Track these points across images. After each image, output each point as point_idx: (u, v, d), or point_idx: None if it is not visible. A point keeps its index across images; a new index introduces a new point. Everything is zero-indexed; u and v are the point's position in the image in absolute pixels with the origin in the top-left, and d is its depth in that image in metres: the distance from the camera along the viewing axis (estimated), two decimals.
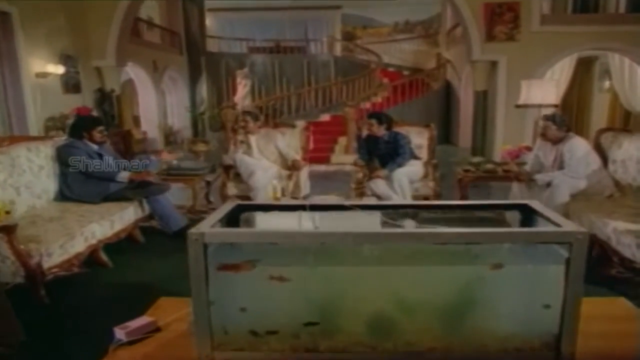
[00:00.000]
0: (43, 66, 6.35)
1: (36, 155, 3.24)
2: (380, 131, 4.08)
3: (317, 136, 8.44)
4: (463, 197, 4.19)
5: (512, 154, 4.02)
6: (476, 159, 7.51)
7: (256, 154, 4.26)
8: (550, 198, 3.15)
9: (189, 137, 8.18)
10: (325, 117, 9.25)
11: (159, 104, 10.27)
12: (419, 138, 4.36)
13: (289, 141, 4.50)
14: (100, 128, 3.47)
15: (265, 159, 4.25)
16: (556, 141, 3.32)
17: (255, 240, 1.26)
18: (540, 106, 4.08)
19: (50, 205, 3.22)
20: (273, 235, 1.32)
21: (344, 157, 7.58)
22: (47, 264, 2.41)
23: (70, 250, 2.60)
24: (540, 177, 3.28)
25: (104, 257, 2.94)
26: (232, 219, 1.42)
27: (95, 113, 7.02)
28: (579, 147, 3.20)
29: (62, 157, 3.35)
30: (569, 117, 9.90)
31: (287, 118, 9.19)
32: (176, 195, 4.51)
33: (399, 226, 1.41)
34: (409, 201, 3.76)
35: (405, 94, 9.24)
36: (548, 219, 1.32)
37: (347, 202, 1.62)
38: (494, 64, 6.98)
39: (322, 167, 7.03)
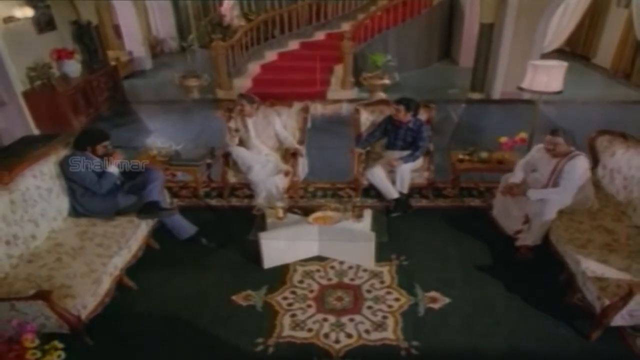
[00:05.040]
0: (8, 10, 5.79)
1: (42, 180, 3.31)
2: (407, 117, 4.01)
3: (312, 64, 8.10)
4: (455, 181, 4.37)
5: (507, 145, 4.07)
6: (475, 95, 7.45)
7: (254, 138, 4.27)
8: (539, 214, 3.32)
9: (180, 76, 7.79)
10: (320, 36, 8.67)
11: (139, 16, 9.42)
12: None
13: (286, 121, 4.46)
14: (106, 143, 3.50)
15: (263, 145, 4.28)
16: (558, 155, 3.30)
17: None
18: (542, 93, 3.97)
19: (67, 225, 3.40)
20: None
21: (341, 93, 7.39)
22: (84, 314, 2.75)
23: (100, 292, 2.90)
24: (533, 195, 3.31)
25: (128, 281, 3.26)
26: None
27: (78, 55, 6.62)
28: (579, 168, 3.21)
29: (65, 172, 3.43)
30: (580, 29, 9.35)
31: (280, 38, 8.63)
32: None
33: None
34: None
35: (407, 6, 8.53)
36: None
37: None
38: None
39: (318, 109, 6.92)
